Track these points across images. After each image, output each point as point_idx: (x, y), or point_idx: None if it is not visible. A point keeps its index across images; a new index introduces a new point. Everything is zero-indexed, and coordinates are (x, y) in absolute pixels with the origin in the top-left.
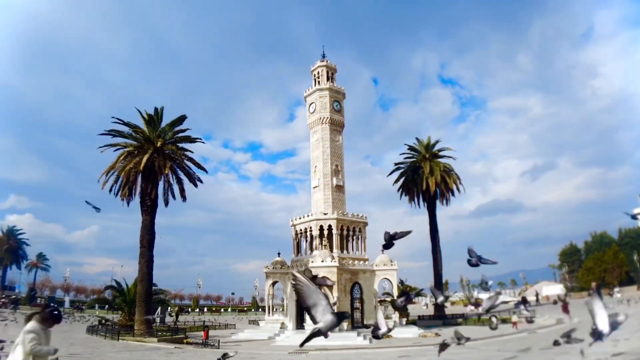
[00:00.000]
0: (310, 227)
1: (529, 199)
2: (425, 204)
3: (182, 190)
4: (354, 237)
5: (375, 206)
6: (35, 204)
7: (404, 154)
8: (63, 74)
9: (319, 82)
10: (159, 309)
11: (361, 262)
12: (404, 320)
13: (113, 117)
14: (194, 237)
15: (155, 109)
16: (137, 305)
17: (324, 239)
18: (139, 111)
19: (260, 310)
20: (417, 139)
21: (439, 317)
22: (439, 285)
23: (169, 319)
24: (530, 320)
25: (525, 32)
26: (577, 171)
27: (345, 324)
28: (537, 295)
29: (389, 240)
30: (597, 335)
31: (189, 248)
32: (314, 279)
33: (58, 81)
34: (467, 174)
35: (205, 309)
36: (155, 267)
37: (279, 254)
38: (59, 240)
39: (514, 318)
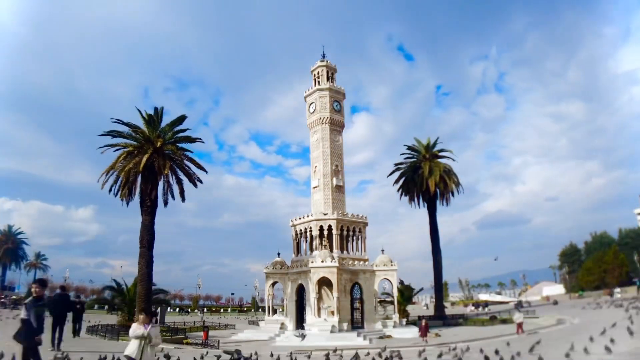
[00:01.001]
0: (310, 228)
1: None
2: (425, 205)
3: (181, 191)
4: (354, 238)
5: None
6: None
7: (403, 154)
8: None
9: (319, 82)
10: (159, 309)
11: (361, 263)
12: (404, 320)
13: (112, 118)
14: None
15: (155, 108)
16: (137, 305)
17: (324, 239)
18: (139, 111)
19: (260, 310)
20: (416, 139)
21: (439, 318)
22: (439, 285)
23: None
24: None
25: (576, 46)
26: (603, 173)
27: (345, 325)
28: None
29: None
30: None
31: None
32: None
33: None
34: (500, 174)
35: (205, 309)
36: (185, 268)
37: (278, 254)
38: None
39: (518, 318)
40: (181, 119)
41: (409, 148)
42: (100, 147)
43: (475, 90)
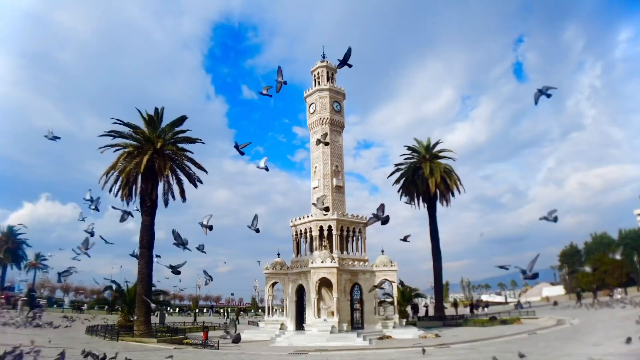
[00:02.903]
0: (310, 228)
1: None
2: (426, 205)
3: (182, 191)
4: (354, 238)
5: None
6: None
7: (403, 155)
8: None
9: (319, 82)
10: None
11: (361, 263)
12: (404, 321)
13: (112, 118)
14: None
15: (156, 109)
16: (137, 305)
17: (323, 239)
18: (139, 111)
19: (259, 311)
20: (416, 139)
21: (439, 318)
22: (439, 286)
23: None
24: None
25: None
26: None
27: (345, 325)
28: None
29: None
30: None
31: None
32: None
33: None
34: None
35: (205, 310)
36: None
37: (278, 254)
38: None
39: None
40: (181, 119)
41: (409, 148)
42: (100, 148)
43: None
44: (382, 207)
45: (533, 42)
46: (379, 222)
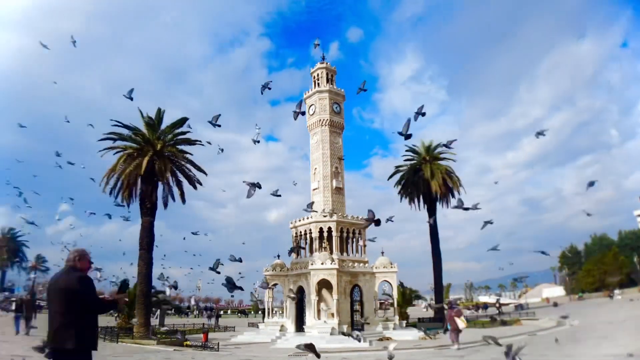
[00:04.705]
0: (310, 229)
1: None
2: (426, 207)
3: (182, 193)
4: (354, 240)
5: None
6: None
7: (404, 156)
8: None
9: (318, 84)
10: (158, 311)
11: (361, 265)
12: (404, 322)
13: (112, 120)
14: None
15: (159, 109)
16: (137, 307)
17: (323, 241)
18: (140, 112)
19: (259, 313)
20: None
21: (439, 320)
22: (439, 287)
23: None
24: None
25: None
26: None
27: (345, 327)
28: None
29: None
30: None
31: None
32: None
33: None
34: None
35: (222, 312)
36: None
37: (278, 256)
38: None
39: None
40: (182, 121)
41: (410, 150)
42: (101, 151)
43: None
44: (371, 212)
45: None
46: (386, 224)
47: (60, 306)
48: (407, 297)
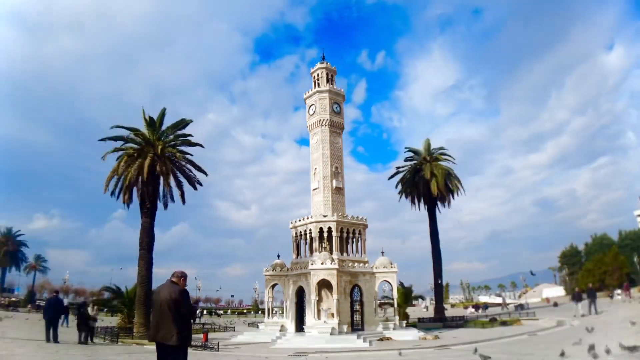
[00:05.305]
0: (310, 229)
1: None
2: (426, 207)
3: (182, 193)
4: (354, 240)
5: None
6: None
7: (405, 157)
8: None
9: (318, 84)
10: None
11: (361, 265)
12: (404, 322)
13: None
14: None
15: (163, 110)
16: (137, 307)
17: (323, 241)
18: (143, 111)
19: (260, 312)
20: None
21: (439, 320)
22: (439, 287)
23: None
24: None
25: None
26: None
27: (345, 327)
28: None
29: None
30: None
31: None
32: None
33: None
34: None
35: (205, 312)
36: None
37: (278, 256)
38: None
39: None
40: (182, 122)
41: (410, 150)
42: (103, 155)
43: None
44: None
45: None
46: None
47: (167, 312)
48: (407, 297)
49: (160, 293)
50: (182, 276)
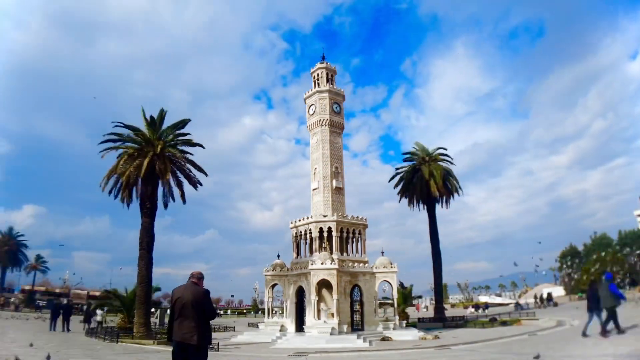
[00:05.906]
0: (310, 229)
1: None
2: (425, 207)
3: (182, 193)
4: (354, 240)
5: None
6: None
7: (404, 157)
8: None
9: (318, 84)
10: (159, 311)
11: (361, 265)
12: (404, 322)
13: (114, 122)
14: None
15: (161, 110)
16: (137, 307)
17: (323, 241)
18: (143, 111)
19: (260, 312)
20: (416, 143)
21: (439, 320)
22: (439, 287)
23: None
24: None
25: None
26: None
27: (345, 327)
28: (538, 297)
29: None
30: None
31: None
32: None
33: None
34: None
35: None
36: None
37: (278, 256)
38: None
39: None
40: (183, 122)
41: (409, 152)
42: (101, 152)
43: None
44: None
45: None
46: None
47: (190, 312)
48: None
49: (184, 294)
50: (201, 277)
